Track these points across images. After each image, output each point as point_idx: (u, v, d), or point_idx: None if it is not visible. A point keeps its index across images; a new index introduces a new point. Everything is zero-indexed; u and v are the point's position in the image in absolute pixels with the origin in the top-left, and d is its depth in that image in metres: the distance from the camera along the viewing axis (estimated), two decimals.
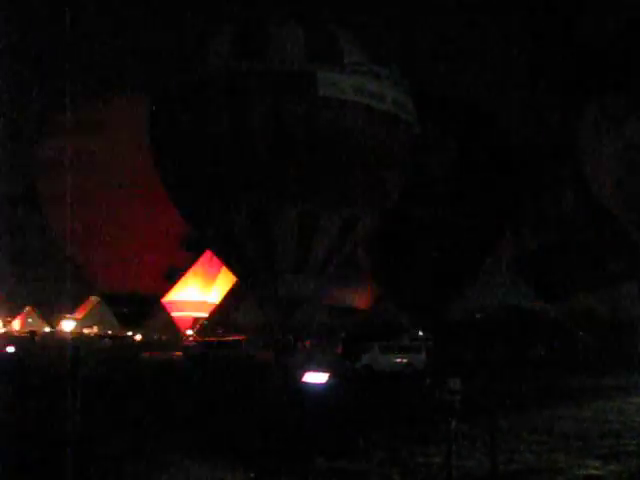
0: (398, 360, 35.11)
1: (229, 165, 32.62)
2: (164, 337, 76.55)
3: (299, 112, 31.77)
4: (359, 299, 57.97)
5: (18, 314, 79.74)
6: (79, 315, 77.73)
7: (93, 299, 69.63)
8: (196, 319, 57.72)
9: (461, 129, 41.04)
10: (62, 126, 44.72)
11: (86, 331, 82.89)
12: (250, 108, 31.95)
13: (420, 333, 46.57)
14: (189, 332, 55.26)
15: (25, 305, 73.98)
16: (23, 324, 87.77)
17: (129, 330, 55.34)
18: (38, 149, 46.45)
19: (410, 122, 35.02)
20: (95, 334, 75.88)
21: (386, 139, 33.32)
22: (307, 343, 44.96)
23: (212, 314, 64.80)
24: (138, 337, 60.74)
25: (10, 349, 29.55)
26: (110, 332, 71.99)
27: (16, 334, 71.96)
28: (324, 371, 14.54)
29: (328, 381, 13.88)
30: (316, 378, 14.05)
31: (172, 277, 48.77)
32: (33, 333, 66.19)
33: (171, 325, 73.57)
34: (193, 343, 54.12)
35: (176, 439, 13.50)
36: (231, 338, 51.80)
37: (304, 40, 32.61)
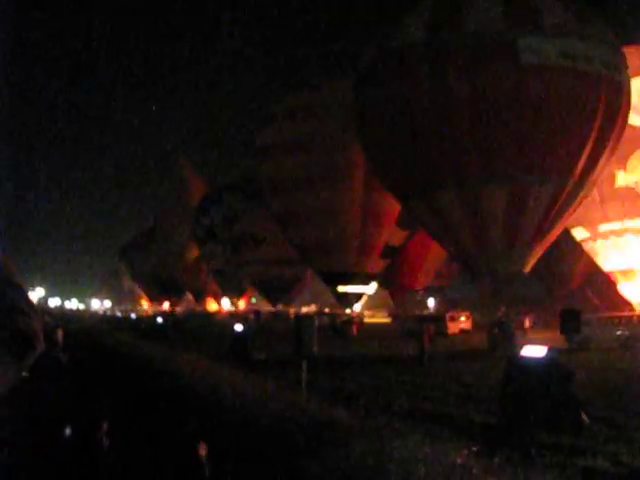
0: (619, 332, 33.34)
1: (433, 138, 32.46)
2: (380, 314, 77.72)
3: (502, 82, 30.94)
4: (573, 269, 55.66)
5: (242, 295, 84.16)
6: (297, 294, 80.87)
7: (310, 279, 72.04)
8: None
9: None
10: (282, 111, 46.90)
11: (304, 309, 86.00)
12: (451, 80, 31.56)
13: None
14: None
15: (248, 286, 77.88)
16: (247, 304, 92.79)
17: (346, 308, 56.87)
18: (259, 135, 48.84)
19: (621, 81, 33.00)
20: (313, 312, 78.37)
21: (596, 102, 31.68)
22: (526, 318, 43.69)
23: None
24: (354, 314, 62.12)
25: (238, 327, 31.34)
26: (327, 310, 74.14)
27: (241, 313, 76.16)
28: (542, 344, 14.19)
29: (547, 354, 13.54)
30: (535, 352, 13.75)
31: (389, 255, 49.37)
32: (258, 312, 69.67)
33: (384, 302, 74.72)
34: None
35: (396, 412, 13.73)
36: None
37: (502, 6, 31.63)
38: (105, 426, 4.21)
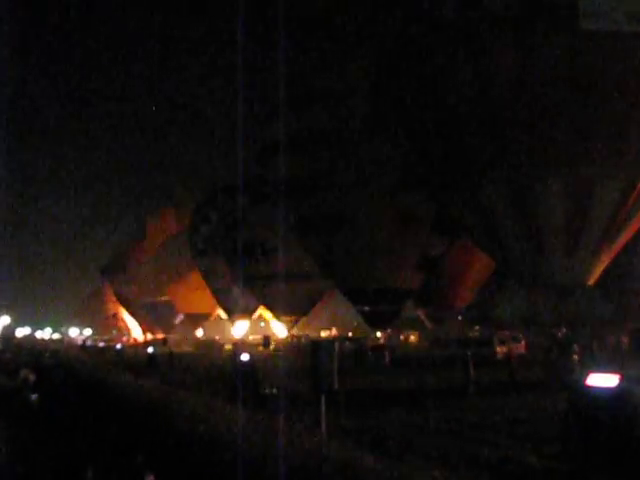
0: None
1: (475, 121, 32.26)
2: (413, 337, 77.31)
3: (558, 52, 30.55)
4: None
5: (247, 317, 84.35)
6: (315, 316, 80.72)
7: (329, 297, 71.87)
8: None
9: None
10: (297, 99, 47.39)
11: (323, 334, 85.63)
12: (491, 55, 31.34)
13: None
14: None
15: (255, 308, 77.94)
16: (255, 329, 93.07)
17: (377, 330, 56.45)
18: (269, 128, 49.35)
19: None
20: (333, 336, 78.08)
21: None
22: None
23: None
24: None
25: (244, 357, 31.28)
26: (350, 334, 73.94)
27: (249, 340, 76.27)
28: (613, 372, 14.01)
29: (619, 384, 13.37)
30: (604, 381, 13.58)
31: (425, 267, 49.16)
32: (267, 338, 69.51)
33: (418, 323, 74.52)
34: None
35: (433, 456, 13.70)
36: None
37: None
38: None
